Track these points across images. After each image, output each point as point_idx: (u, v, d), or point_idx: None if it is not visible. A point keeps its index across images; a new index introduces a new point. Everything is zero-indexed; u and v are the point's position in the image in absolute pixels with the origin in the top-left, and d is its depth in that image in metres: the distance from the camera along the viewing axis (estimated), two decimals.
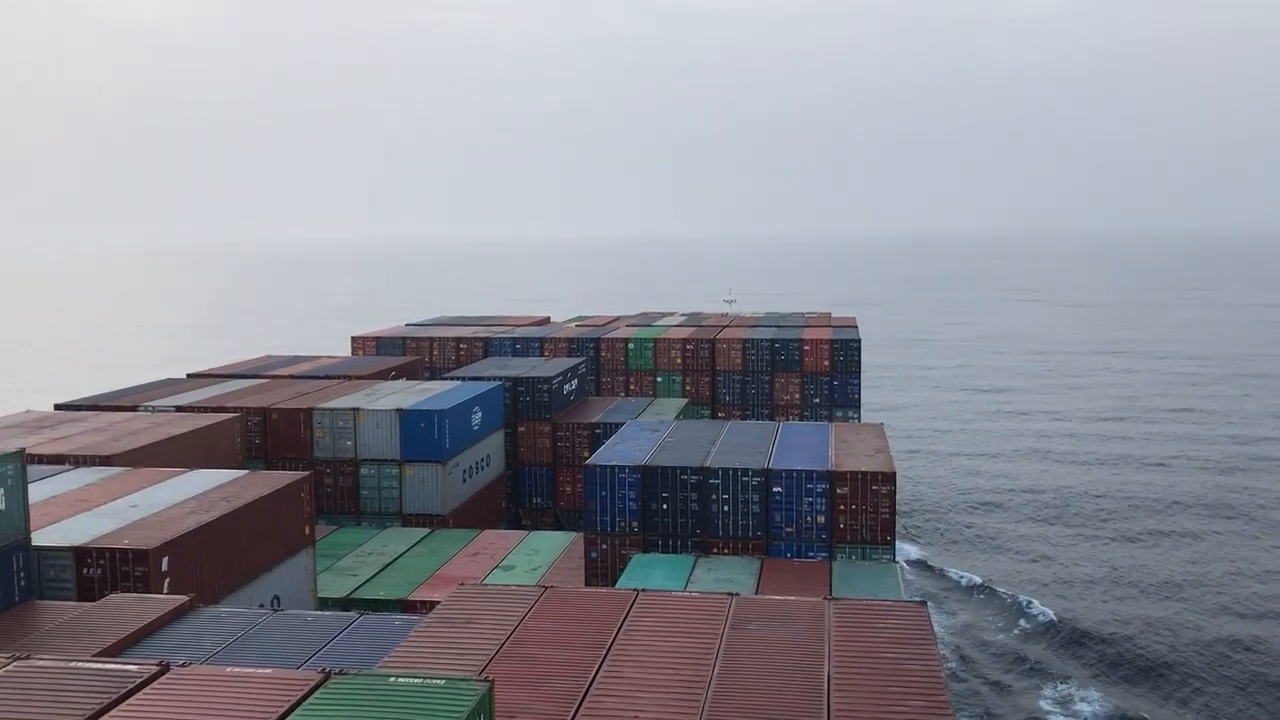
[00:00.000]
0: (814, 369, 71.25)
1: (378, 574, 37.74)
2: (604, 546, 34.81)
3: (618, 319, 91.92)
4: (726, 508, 34.19)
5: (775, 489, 34.04)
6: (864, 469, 34.50)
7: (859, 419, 69.80)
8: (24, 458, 26.39)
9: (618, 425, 47.72)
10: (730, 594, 22.51)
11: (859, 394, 71.77)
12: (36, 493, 28.59)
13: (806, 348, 71.54)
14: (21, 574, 25.68)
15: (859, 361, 71.84)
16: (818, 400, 70.92)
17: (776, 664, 19.10)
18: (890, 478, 34.30)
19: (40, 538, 26.85)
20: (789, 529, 34.09)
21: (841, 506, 34.05)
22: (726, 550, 34.17)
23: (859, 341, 72.59)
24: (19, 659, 14.62)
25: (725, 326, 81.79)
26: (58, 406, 47.80)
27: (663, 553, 34.27)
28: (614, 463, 35.23)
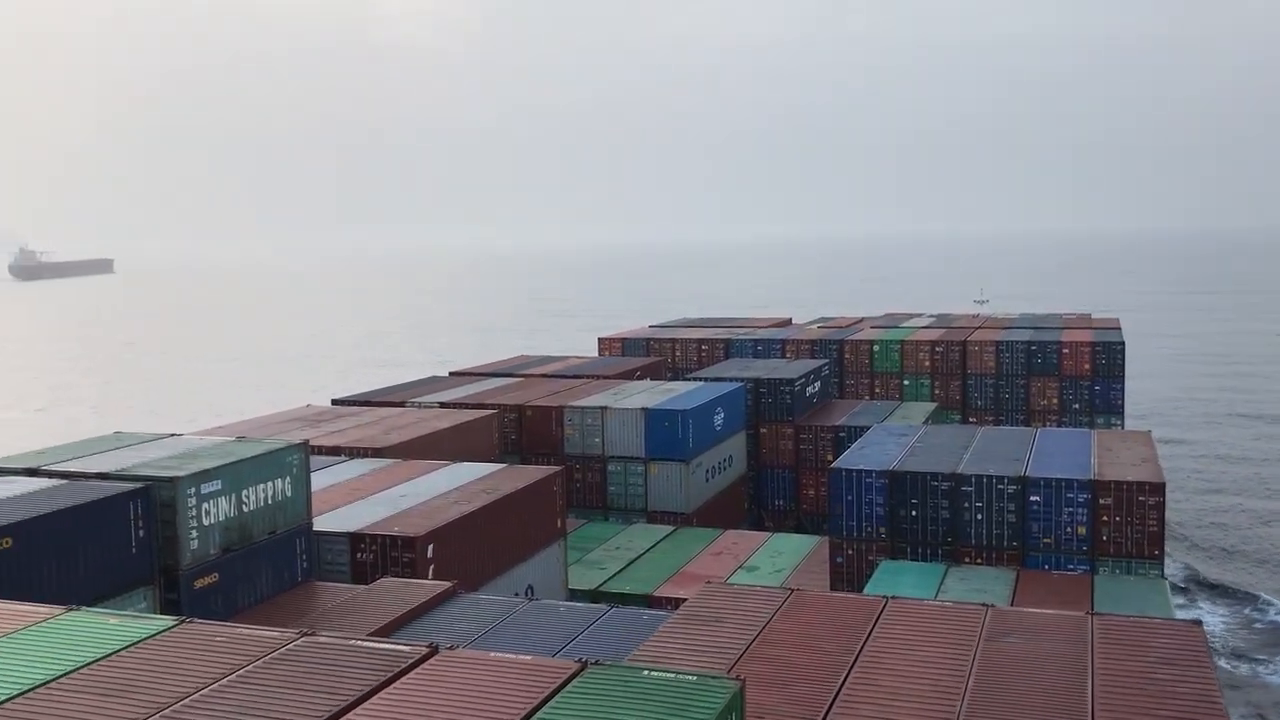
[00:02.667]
0: (1073, 372, 67.65)
1: (624, 569, 38.59)
2: (849, 552, 34.27)
3: (862, 320, 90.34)
4: (979, 516, 32.96)
5: (1033, 498, 32.57)
6: (1130, 478, 32.52)
7: (1122, 426, 65.89)
8: (307, 449, 28.62)
9: (863, 429, 46.94)
10: (985, 605, 21.71)
11: (1122, 399, 67.69)
12: (316, 481, 30.81)
13: (1065, 350, 68.04)
14: (304, 556, 27.84)
15: (1123, 365, 67.74)
16: (1077, 406, 67.32)
17: (1035, 679, 18.27)
18: (1159, 488, 32.18)
19: (320, 523, 29.01)
20: (1047, 540, 32.55)
21: (1104, 518, 32.20)
22: (979, 560, 32.97)
23: (1122, 344, 68.47)
24: (305, 634, 15.81)
25: (977, 328, 78.92)
26: (334, 401, 51.45)
27: (911, 560, 33.45)
28: (860, 467, 34.63)
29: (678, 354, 72.98)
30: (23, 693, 13.83)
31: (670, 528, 43.87)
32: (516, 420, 48.37)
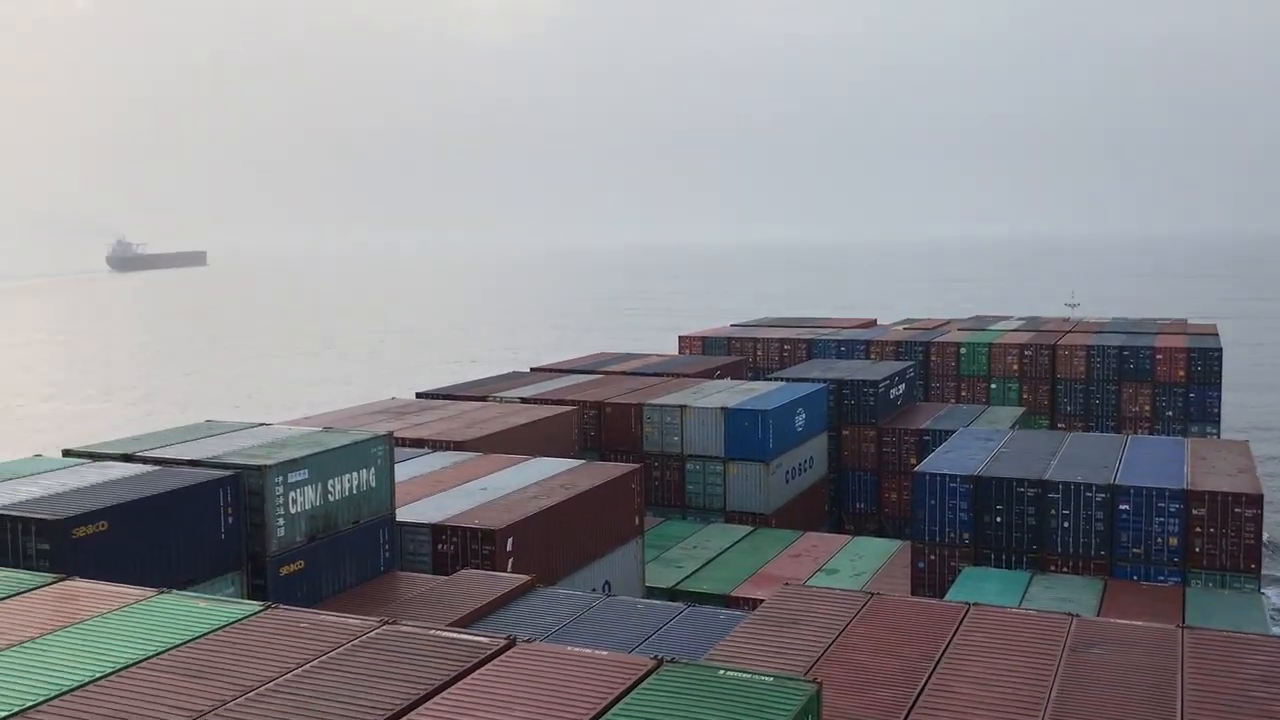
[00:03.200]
0: (1167, 379, 65.83)
1: (702, 568, 38.54)
2: (932, 557, 33.77)
3: (949, 322, 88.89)
4: (1066, 524, 32.24)
5: (1122, 506, 31.75)
6: (1225, 489, 31.54)
7: (1218, 435, 63.92)
8: (392, 440, 29.04)
9: (948, 432, 46.24)
10: (1070, 615, 21.22)
11: (1219, 407, 65.63)
12: (400, 473, 31.30)
13: (1159, 356, 66.26)
14: (386, 546, 28.29)
15: (1219, 372, 65.66)
16: (1170, 413, 65.50)
17: (1121, 693, 17.79)
18: (1256, 500, 31.15)
19: (403, 514, 29.45)
20: (1136, 550, 31.71)
21: (1198, 529, 31.28)
22: (1065, 568, 32.26)
23: (1219, 351, 66.44)
24: (387, 623, 16.04)
25: (1067, 331, 77.18)
26: (419, 395, 52.18)
27: (994, 567, 32.86)
28: (944, 471, 34.10)
29: (759, 353, 72.53)
30: (115, 671, 14.26)
31: (749, 528, 43.70)
32: (596, 417, 48.56)
